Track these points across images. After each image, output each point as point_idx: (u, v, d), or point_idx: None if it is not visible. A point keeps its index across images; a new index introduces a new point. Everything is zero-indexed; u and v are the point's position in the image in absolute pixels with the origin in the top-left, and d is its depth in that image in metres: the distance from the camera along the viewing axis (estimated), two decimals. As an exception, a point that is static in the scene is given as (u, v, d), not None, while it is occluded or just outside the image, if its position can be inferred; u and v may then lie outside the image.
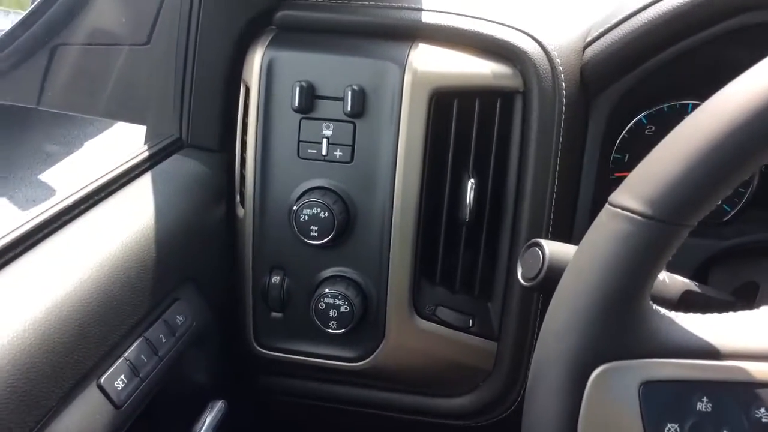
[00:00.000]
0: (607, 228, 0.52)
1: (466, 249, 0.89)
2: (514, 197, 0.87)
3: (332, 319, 0.86)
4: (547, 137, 0.84)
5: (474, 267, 0.90)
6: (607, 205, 0.53)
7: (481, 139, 0.86)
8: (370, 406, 0.99)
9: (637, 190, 0.51)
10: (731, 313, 0.57)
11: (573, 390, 0.52)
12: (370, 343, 0.90)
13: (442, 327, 0.89)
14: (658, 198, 0.49)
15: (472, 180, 0.85)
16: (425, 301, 0.89)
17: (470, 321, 0.90)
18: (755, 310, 0.58)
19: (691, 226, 0.50)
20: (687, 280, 0.69)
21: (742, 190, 0.91)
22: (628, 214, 0.50)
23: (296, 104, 0.83)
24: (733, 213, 0.92)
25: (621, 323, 0.51)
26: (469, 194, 0.85)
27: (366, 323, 0.88)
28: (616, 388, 0.52)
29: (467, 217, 0.86)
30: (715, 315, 0.56)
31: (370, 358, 0.90)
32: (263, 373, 0.99)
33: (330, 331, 0.87)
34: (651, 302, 0.53)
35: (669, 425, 0.52)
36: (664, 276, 0.67)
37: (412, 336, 0.89)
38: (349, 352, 0.91)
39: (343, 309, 0.86)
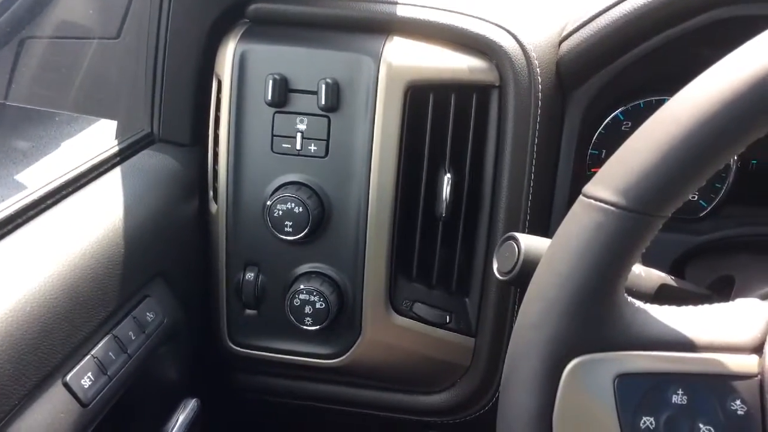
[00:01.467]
0: (581, 219, 0.51)
1: (443, 244, 0.88)
2: (490, 192, 0.87)
3: (307, 315, 0.85)
4: (523, 132, 0.84)
5: (451, 262, 0.89)
6: (580, 196, 0.52)
7: (458, 133, 0.85)
8: (346, 404, 0.98)
9: (610, 180, 0.50)
10: (707, 306, 0.56)
11: (547, 383, 0.52)
12: (346, 339, 0.89)
13: (419, 323, 0.89)
14: (631, 188, 0.49)
15: (449, 175, 0.85)
16: (402, 297, 0.88)
17: (447, 317, 0.90)
18: (730, 303, 0.58)
19: (664, 217, 0.50)
20: (663, 274, 0.69)
21: (718, 185, 0.91)
22: (601, 204, 0.50)
23: (269, 98, 0.82)
24: (709, 209, 0.92)
25: (595, 315, 0.51)
26: (446, 189, 0.85)
27: (342, 320, 0.88)
28: (590, 380, 0.52)
29: (444, 212, 0.86)
30: (691, 308, 0.56)
31: (347, 355, 0.89)
32: (238, 371, 0.98)
33: (305, 327, 0.86)
34: (626, 295, 0.53)
35: (644, 418, 0.52)
36: (640, 270, 0.67)
37: (389, 332, 0.88)
38: (325, 349, 0.90)
39: (318, 305, 0.85)
